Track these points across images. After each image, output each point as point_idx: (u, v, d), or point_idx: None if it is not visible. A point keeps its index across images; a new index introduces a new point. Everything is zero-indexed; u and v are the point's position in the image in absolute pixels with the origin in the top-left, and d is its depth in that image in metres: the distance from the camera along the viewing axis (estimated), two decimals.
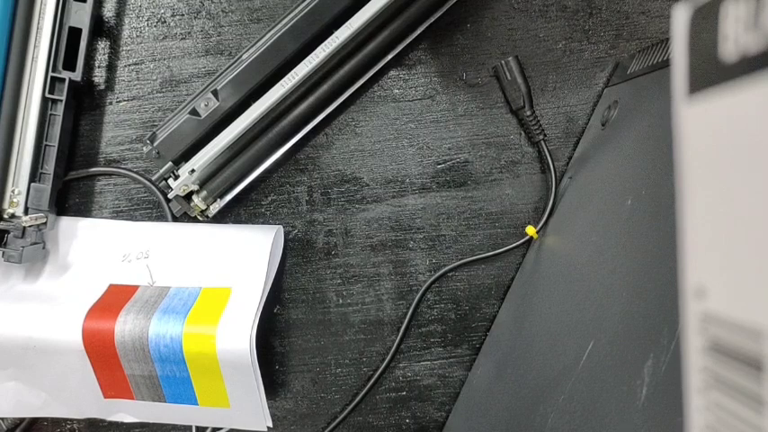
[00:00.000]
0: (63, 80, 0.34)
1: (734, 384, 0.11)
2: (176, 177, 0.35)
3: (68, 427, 0.39)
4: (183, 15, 0.38)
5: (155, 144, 0.35)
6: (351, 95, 0.37)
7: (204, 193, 0.36)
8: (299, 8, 0.34)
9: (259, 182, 0.38)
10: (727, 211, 0.10)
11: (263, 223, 0.39)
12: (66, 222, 0.38)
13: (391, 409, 0.40)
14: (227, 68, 0.35)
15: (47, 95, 0.34)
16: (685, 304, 0.12)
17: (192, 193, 0.36)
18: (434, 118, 0.39)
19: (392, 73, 0.38)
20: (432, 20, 0.36)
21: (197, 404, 0.35)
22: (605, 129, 0.35)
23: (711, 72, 0.11)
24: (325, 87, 0.36)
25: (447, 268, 0.39)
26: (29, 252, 0.35)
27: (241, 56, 0.35)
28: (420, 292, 0.39)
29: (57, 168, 0.35)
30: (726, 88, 0.10)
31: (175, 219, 0.38)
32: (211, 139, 0.35)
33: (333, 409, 0.40)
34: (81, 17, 0.34)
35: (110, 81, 0.38)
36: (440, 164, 0.39)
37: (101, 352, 0.34)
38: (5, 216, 0.35)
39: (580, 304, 0.29)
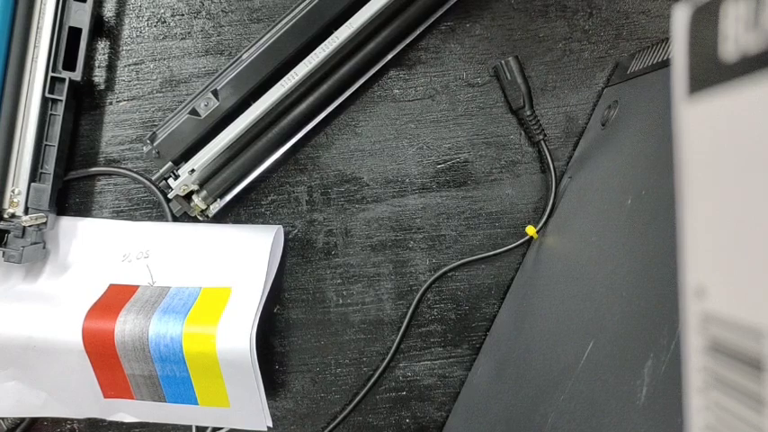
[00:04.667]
0: (63, 80, 0.34)
1: (734, 384, 0.11)
2: (176, 177, 0.35)
3: (68, 426, 0.39)
4: (182, 15, 0.38)
5: (155, 144, 0.35)
6: (351, 95, 0.37)
7: (204, 192, 0.36)
8: (299, 8, 0.34)
9: (259, 182, 0.38)
10: (727, 210, 0.10)
11: (263, 223, 0.39)
12: (66, 222, 0.38)
13: (391, 408, 0.40)
14: (227, 68, 0.35)
15: (47, 95, 0.34)
16: (685, 304, 0.12)
17: (191, 192, 0.36)
18: (434, 118, 0.39)
19: (392, 73, 0.38)
20: (432, 20, 0.36)
21: (197, 404, 0.35)
22: (605, 129, 0.35)
23: (711, 72, 0.11)
24: (325, 87, 0.36)
25: (447, 268, 0.39)
26: (29, 252, 0.35)
27: (241, 56, 0.35)
28: (420, 292, 0.39)
29: (57, 168, 0.35)
30: (726, 88, 0.10)
31: (175, 219, 0.38)
32: (211, 139, 0.35)
33: (333, 408, 0.40)
34: (81, 17, 0.34)
35: (110, 81, 0.38)
36: (440, 164, 0.39)
37: (101, 352, 0.34)
38: (5, 216, 0.35)
39: (580, 304, 0.29)
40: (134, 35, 0.38)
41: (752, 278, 0.10)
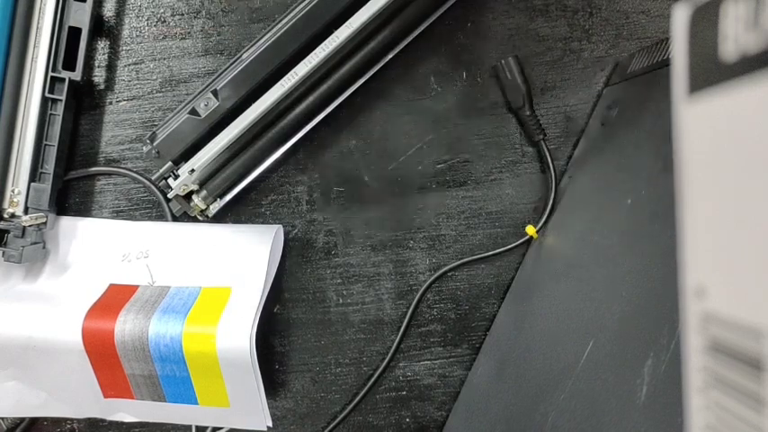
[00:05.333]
0: (63, 80, 0.34)
1: (734, 384, 0.11)
2: (176, 177, 0.35)
3: (68, 426, 0.39)
4: (182, 15, 0.38)
5: (154, 144, 0.35)
6: (351, 95, 0.37)
7: (204, 192, 0.36)
8: (299, 8, 0.34)
9: (259, 182, 0.38)
10: (727, 210, 0.10)
11: (262, 223, 0.39)
12: (66, 222, 0.38)
13: (391, 408, 0.40)
14: (227, 68, 0.35)
15: (47, 95, 0.34)
16: (685, 304, 0.12)
17: (191, 192, 0.36)
18: (434, 118, 0.39)
19: (392, 72, 0.38)
20: (432, 19, 0.36)
21: (197, 404, 0.35)
22: (605, 128, 0.35)
23: (711, 72, 0.11)
24: (324, 87, 0.36)
25: (447, 268, 0.39)
26: (29, 252, 0.35)
27: (241, 56, 0.35)
28: (420, 292, 0.39)
29: (57, 168, 0.35)
30: (726, 88, 0.10)
31: (175, 218, 0.38)
32: (211, 139, 0.35)
33: (333, 408, 0.40)
34: (81, 17, 0.34)
35: (110, 81, 0.38)
36: (440, 163, 0.39)
37: (101, 352, 0.34)
38: (5, 216, 0.35)
39: (580, 304, 0.29)
40: (134, 35, 0.38)
41: (752, 278, 0.10)
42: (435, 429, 0.40)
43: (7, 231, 0.35)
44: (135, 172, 0.38)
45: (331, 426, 0.39)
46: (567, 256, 0.33)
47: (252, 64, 0.34)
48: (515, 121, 0.39)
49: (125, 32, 0.38)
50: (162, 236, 0.37)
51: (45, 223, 0.35)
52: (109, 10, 0.37)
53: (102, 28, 0.37)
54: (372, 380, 0.39)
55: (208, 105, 0.34)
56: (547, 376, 0.28)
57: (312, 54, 0.34)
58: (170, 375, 0.34)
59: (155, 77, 0.38)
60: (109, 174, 0.38)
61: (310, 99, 0.36)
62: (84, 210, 0.38)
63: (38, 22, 0.34)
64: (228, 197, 0.37)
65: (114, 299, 0.35)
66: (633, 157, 0.30)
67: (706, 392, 0.11)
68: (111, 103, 0.38)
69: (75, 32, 0.35)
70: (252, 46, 0.35)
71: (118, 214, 0.38)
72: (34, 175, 0.35)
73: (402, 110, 0.39)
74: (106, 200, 0.38)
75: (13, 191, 0.35)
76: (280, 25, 0.34)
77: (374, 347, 0.40)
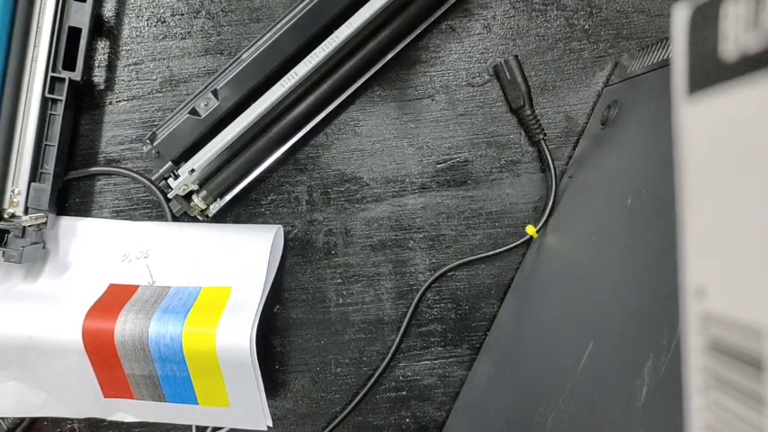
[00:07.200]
0: (63, 80, 0.34)
1: (734, 384, 0.11)
2: (176, 177, 0.35)
3: (68, 426, 0.39)
4: (182, 15, 0.38)
5: (155, 144, 0.35)
6: (351, 95, 0.37)
7: (204, 192, 0.36)
8: (299, 8, 0.34)
9: (259, 182, 0.38)
10: (727, 210, 0.10)
11: (262, 223, 0.39)
12: (66, 222, 0.38)
13: (391, 408, 0.40)
14: (227, 68, 0.35)
15: (47, 95, 0.34)
16: (685, 304, 0.12)
17: (191, 192, 0.36)
18: (434, 117, 0.39)
19: (392, 73, 0.38)
20: (432, 19, 0.36)
21: (197, 404, 0.35)
22: (605, 128, 0.35)
23: (711, 71, 0.11)
24: (324, 87, 0.36)
25: (447, 268, 0.39)
26: (29, 252, 0.35)
27: (241, 55, 0.35)
28: (420, 292, 0.39)
29: (57, 168, 0.35)
30: (726, 87, 0.10)
31: (175, 218, 0.38)
32: (211, 139, 0.35)
33: (333, 408, 0.40)
34: (81, 17, 0.34)
35: (110, 81, 0.38)
36: (440, 163, 0.39)
37: (101, 352, 0.34)
38: (5, 216, 0.35)
39: (580, 304, 0.29)
40: (134, 35, 0.38)
41: (752, 278, 0.10)
42: (435, 429, 0.40)
43: (7, 231, 0.35)
44: (135, 172, 0.38)
45: (331, 426, 0.39)
46: (566, 256, 0.33)
47: (252, 64, 0.34)
48: (515, 120, 0.39)
49: (125, 32, 0.38)
50: (162, 236, 0.37)
51: (45, 223, 0.35)
52: (109, 10, 0.37)
53: (102, 28, 0.37)
54: (372, 380, 0.39)
55: (208, 105, 0.34)
56: (547, 377, 0.28)
57: (312, 54, 0.34)
58: (170, 375, 0.34)
59: (155, 77, 0.38)
60: (109, 174, 0.38)
61: (310, 99, 0.36)
62: (84, 210, 0.38)
63: (38, 23, 0.34)
64: (228, 197, 0.37)
65: (114, 299, 0.35)
66: (633, 157, 0.30)
67: (706, 392, 0.11)
68: (111, 103, 0.38)
69: (75, 32, 0.35)
70: (252, 46, 0.35)
71: (118, 214, 0.38)
72: (34, 175, 0.35)
73: (402, 110, 0.39)
74: (106, 200, 0.38)
75: (13, 191, 0.35)
76: (280, 25, 0.34)
77: (374, 347, 0.40)
